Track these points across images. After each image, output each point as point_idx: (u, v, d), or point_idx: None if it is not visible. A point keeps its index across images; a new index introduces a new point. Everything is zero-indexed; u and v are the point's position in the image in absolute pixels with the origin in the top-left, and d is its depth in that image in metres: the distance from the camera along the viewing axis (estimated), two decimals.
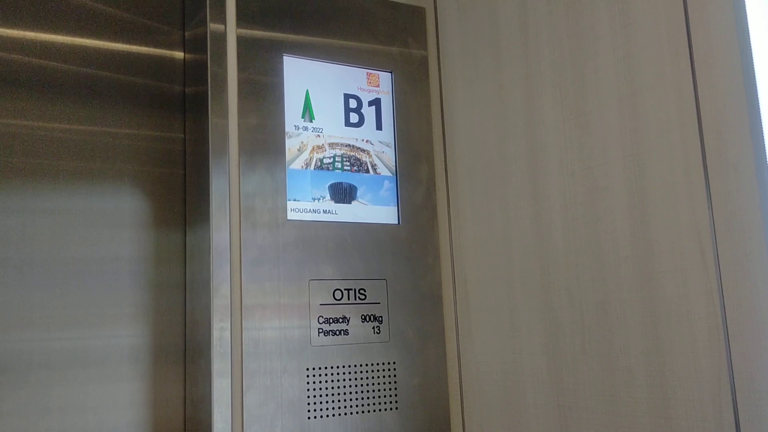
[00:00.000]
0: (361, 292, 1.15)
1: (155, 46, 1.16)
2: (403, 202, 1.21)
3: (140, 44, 1.15)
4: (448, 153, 1.26)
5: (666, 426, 0.86)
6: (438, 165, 1.26)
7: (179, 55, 1.18)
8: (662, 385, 0.87)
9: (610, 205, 0.95)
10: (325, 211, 1.14)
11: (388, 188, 1.21)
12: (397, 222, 1.20)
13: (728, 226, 0.81)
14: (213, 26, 1.08)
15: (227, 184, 1.06)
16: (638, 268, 0.91)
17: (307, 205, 1.13)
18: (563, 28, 1.03)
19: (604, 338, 0.94)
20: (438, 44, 1.29)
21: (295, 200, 1.12)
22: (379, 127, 1.22)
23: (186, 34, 1.18)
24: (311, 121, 1.16)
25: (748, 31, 0.81)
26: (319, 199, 1.14)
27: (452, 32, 1.26)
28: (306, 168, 1.13)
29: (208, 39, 1.08)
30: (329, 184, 1.16)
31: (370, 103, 1.22)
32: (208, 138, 1.06)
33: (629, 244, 0.92)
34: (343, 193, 1.16)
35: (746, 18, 0.82)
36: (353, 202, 1.17)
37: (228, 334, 1.00)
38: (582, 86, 1.00)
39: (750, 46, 0.81)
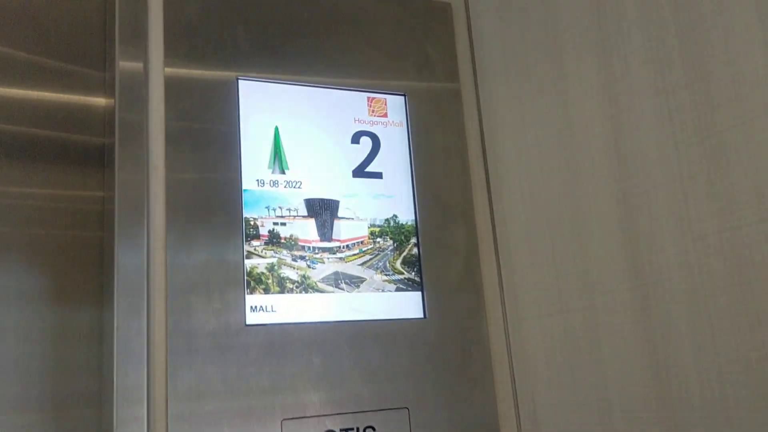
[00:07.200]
0: (370, 430, 0.74)
1: (71, 92, 0.81)
2: (430, 282, 0.80)
3: (52, 90, 0.80)
4: (495, 207, 0.85)
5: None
6: (481, 225, 0.85)
7: (99, 101, 0.83)
8: None
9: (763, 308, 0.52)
10: (304, 292, 0.74)
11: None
12: (422, 315, 0.79)
13: None
14: (124, 65, 0.74)
15: (143, 260, 0.68)
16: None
17: (273, 300, 0.73)
18: (666, 9, 0.62)
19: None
20: (472, 53, 0.90)
21: (258, 292, 0.73)
22: (375, 173, 0.82)
23: (107, 76, 0.82)
24: (283, 173, 0.77)
25: None
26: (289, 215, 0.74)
27: (491, 35, 0.86)
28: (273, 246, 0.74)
29: (117, 80, 0.73)
30: (304, 198, 0.77)
31: (361, 135, 0.83)
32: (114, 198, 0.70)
33: None
34: (321, 208, 0.77)
35: None
36: (335, 221, 0.77)
37: None
38: (709, 92, 0.58)
39: None
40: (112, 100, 0.78)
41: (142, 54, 0.75)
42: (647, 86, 0.63)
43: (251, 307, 0.72)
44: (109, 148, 0.79)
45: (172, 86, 0.75)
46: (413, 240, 0.81)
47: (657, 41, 0.62)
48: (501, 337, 0.82)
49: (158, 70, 0.75)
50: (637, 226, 0.64)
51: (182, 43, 0.76)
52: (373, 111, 0.84)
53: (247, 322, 0.71)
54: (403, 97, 0.86)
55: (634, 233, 0.64)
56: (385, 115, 0.84)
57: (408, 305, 0.79)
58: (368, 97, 0.84)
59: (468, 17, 0.91)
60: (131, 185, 0.70)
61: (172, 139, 0.73)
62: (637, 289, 0.64)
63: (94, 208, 0.78)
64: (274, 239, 0.75)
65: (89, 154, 0.80)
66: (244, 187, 0.75)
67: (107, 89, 0.80)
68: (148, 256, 0.70)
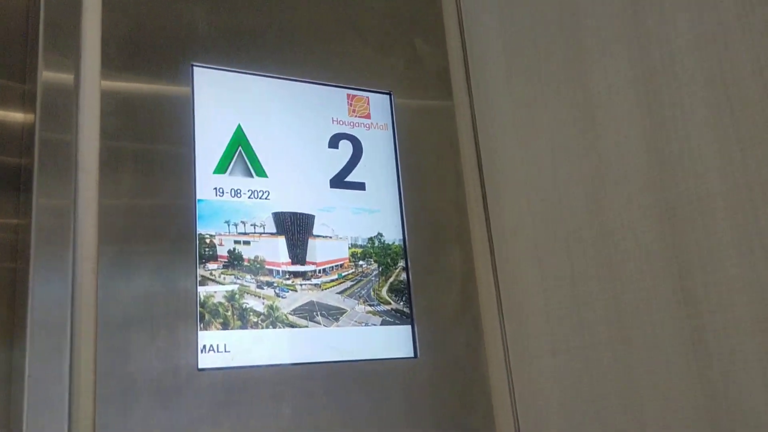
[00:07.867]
0: None
1: None
2: (421, 314, 0.67)
3: None
4: (493, 225, 0.73)
5: None
6: (478, 246, 0.73)
7: (16, 116, 0.68)
8: None
9: None
10: (270, 323, 0.60)
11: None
12: (412, 354, 0.66)
13: None
14: (48, 76, 0.59)
15: (67, 289, 0.54)
16: None
17: (233, 337, 0.59)
18: None
19: None
20: (464, 47, 0.79)
21: (214, 327, 0.58)
22: (356, 184, 0.69)
23: (27, 88, 0.68)
24: (251, 176, 0.64)
25: None
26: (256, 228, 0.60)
27: (489, 28, 0.75)
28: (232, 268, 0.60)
29: (38, 93, 0.59)
30: (273, 211, 0.63)
31: (340, 138, 0.70)
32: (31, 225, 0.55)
33: None
34: (293, 223, 0.64)
35: None
36: (310, 239, 0.63)
37: None
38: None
39: None
40: (32, 116, 0.64)
41: (72, 57, 0.60)
42: (698, 76, 0.52)
43: (205, 346, 0.57)
44: (26, 170, 0.64)
45: (109, 89, 0.60)
46: (401, 263, 0.68)
47: (711, 23, 0.52)
48: (502, 378, 0.69)
49: (93, 70, 0.60)
50: (686, 241, 0.53)
51: (124, 26, 0.62)
52: (353, 111, 0.71)
53: (200, 366, 0.57)
54: (387, 96, 0.73)
55: (683, 251, 0.53)
56: (368, 116, 0.71)
57: (396, 342, 0.66)
58: (348, 95, 0.71)
59: (459, 8, 0.80)
60: (53, 207, 0.56)
61: (108, 136, 0.58)
62: (688, 318, 0.53)
63: (7, 237, 0.63)
64: (235, 261, 0.61)
65: (2, 176, 0.65)
66: (198, 197, 0.61)
67: (27, 103, 0.66)
68: (74, 283, 0.55)
